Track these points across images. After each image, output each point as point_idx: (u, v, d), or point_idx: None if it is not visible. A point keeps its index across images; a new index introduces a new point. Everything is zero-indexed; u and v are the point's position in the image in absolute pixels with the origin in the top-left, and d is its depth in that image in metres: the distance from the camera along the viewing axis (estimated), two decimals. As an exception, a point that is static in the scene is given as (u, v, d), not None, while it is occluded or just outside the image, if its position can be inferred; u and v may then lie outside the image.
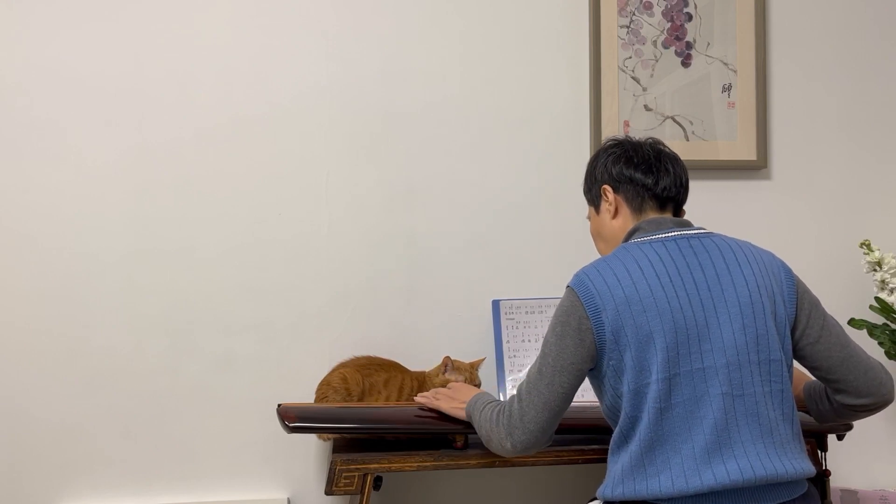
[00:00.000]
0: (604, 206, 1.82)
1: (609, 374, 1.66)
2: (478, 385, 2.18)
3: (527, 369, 2.26)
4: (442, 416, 1.96)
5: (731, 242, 1.73)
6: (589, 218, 1.90)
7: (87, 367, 2.27)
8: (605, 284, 1.65)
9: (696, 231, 1.74)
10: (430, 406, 1.98)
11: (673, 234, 1.72)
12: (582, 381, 1.70)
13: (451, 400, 1.95)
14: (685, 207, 1.84)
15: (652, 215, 1.77)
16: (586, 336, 1.65)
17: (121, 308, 2.28)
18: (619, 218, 1.80)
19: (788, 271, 1.75)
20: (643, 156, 1.79)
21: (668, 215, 1.78)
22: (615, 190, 1.80)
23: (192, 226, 2.31)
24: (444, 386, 2.13)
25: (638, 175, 1.78)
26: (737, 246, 1.72)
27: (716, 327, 1.63)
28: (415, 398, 2.04)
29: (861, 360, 1.74)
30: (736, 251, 1.71)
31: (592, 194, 1.86)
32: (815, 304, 1.75)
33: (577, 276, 1.70)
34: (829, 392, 1.79)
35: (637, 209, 1.78)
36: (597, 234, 1.87)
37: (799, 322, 1.72)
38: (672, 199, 1.79)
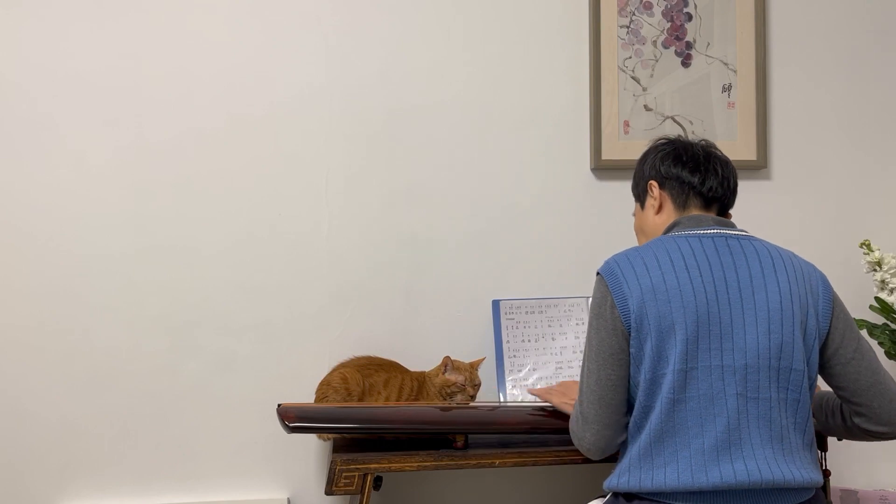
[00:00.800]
0: (649, 201, 1.83)
1: (630, 361, 1.67)
2: (478, 385, 2.18)
3: (526, 370, 2.27)
4: (441, 417, 1.95)
5: (770, 248, 1.72)
6: (634, 214, 1.91)
7: (87, 366, 2.27)
8: (632, 272, 1.66)
9: (736, 232, 1.74)
10: (544, 398, 1.99)
11: (712, 231, 1.72)
12: (628, 369, 1.67)
13: (563, 395, 1.96)
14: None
15: (695, 212, 1.77)
16: (618, 324, 1.66)
17: (121, 307, 2.28)
18: (662, 214, 1.81)
19: (827, 286, 1.73)
20: (692, 155, 1.80)
21: (711, 214, 1.78)
22: (661, 186, 1.81)
23: (191, 225, 2.31)
24: (444, 386, 2.14)
25: (685, 173, 1.78)
26: (776, 252, 1.72)
27: (740, 328, 1.63)
28: (529, 391, 2.06)
29: (888, 389, 1.72)
30: (774, 257, 1.70)
31: (639, 190, 1.87)
32: (851, 324, 1.74)
33: (606, 262, 1.71)
34: (847, 412, 1.77)
35: (681, 206, 1.79)
36: (639, 230, 1.88)
37: (832, 340, 1.71)
38: (717, 200, 1.79)
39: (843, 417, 1.79)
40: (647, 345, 1.63)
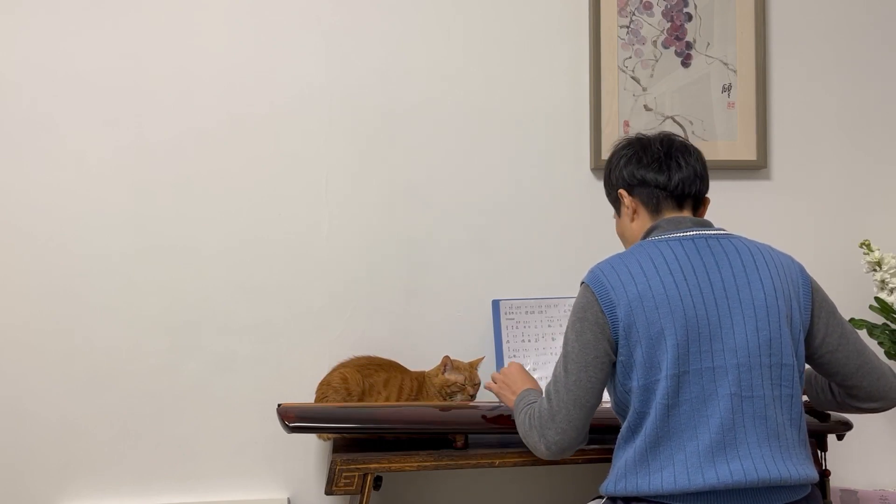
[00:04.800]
0: (623, 209, 1.81)
1: (619, 369, 1.67)
2: (477, 384, 2.18)
3: (526, 370, 2.26)
4: (441, 417, 1.95)
5: (750, 245, 1.72)
6: (614, 218, 1.90)
7: (87, 366, 2.27)
8: (618, 280, 1.66)
9: (715, 231, 1.73)
10: (495, 391, 1.95)
11: (691, 233, 1.71)
12: (608, 374, 1.68)
13: (506, 387, 1.91)
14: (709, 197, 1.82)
15: (670, 214, 1.76)
16: (605, 329, 1.65)
17: (121, 307, 2.28)
18: (638, 220, 1.79)
19: (806, 277, 1.74)
20: (653, 154, 1.77)
21: (686, 213, 1.77)
22: (630, 193, 1.78)
23: (191, 225, 2.31)
24: (444, 386, 2.14)
25: (650, 175, 1.75)
26: (756, 249, 1.72)
27: (728, 328, 1.63)
28: (486, 386, 2.00)
29: (875, 367, 1.75)
30: (755, 254, 1.70)
31: (611, 198, 1.85)
32: (833, 311, 1.75)
33: (591, 271, 1.70)
34: (838, 391, 1.81)
35: (654, 210, 1.77)
36: (621, 236, 1.87)
37: (818, 330, 1.73)
38: (689, 196, 1.76)
39: (833, 395, 1.83)
40: (638, 352, 1.63)
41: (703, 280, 1.65)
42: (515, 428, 2.00)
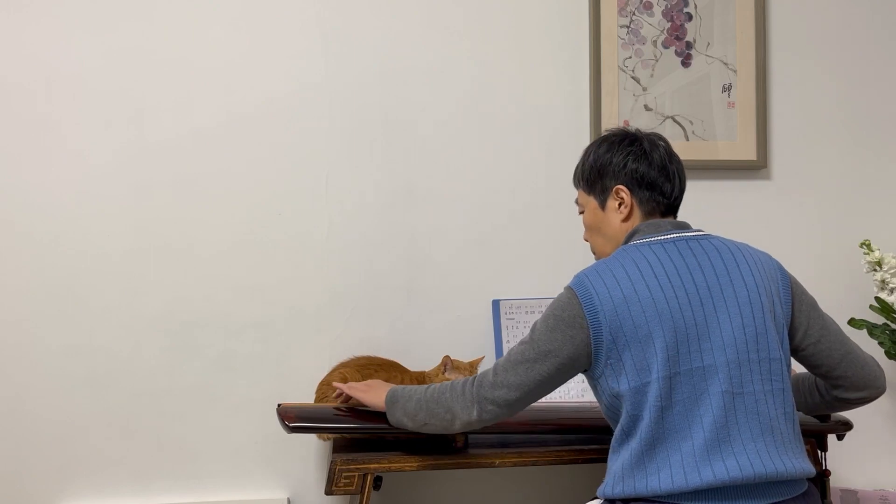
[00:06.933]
0: (612, 204, 1.78)
1: (607, 374, 1.66)
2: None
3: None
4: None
5: (729, 244, 1.73)
6: (577, 202, 1.86)
7: (87, 366, 2.27)
8: (604, 286, 1.66)
9: (694, 233, 1.74)
10: (349, 394, 1.94)
11: (672, 235, 1.72)
12: (562, 375, 1.69)
13: (371, 389, 1.92)
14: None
15: (655, 219, 1.76)
16: (578, 334, 1.65)
17: (121, 308, 2.28)
18: (630, 221, 1.77)
19: (784, 273, 1.76)
20: (660, 159, 1.76)
21: (669, 218, 1.78)
22: (632, 193, 1.76)
23: (191, 225, 2.31)
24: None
25: (660, 181, 1.75)
26: (735, 247, 1.73)
27: (715, 326, 1.64)
28: (333, 384, 2.01)
29: (858, 357, 1.79)
30: (734, 252, 1.71)
31: (597, 189, 1.80)
32: (813, 304, 1.78)
33: (577, 277, 1.71)
34: (825, 387, 1.83)
35: (647, 214, 1.76)
36: (596, 229, 1.82)
37: (799, 324, 1.75)
38: (676, 208, 1.80)
39: (821, 394, 1.85)
40: (626, 355, 1.63)
41: (687, 281, 1.66)
42: (516, 428, 2.00)
